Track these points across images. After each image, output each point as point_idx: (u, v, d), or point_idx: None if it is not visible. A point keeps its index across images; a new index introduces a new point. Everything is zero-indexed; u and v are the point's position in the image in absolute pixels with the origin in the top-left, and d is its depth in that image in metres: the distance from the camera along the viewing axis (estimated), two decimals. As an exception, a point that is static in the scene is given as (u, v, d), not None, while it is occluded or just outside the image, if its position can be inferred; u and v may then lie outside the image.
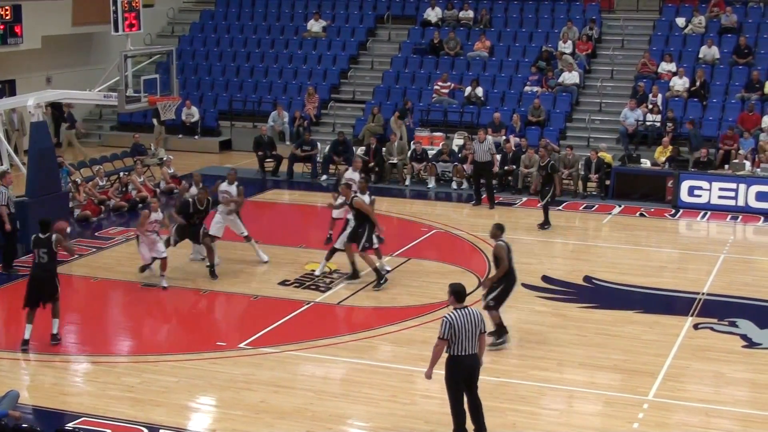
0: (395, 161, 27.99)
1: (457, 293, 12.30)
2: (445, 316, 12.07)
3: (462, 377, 12.15)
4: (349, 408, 13.62)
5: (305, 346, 15.84)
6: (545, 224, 22.96)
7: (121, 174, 26.44)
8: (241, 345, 15.84)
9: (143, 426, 12.87)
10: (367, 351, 15.71)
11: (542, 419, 13.41)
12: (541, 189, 23.10)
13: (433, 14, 34.92)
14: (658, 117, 28.87)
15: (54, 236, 15.57)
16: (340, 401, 13.80)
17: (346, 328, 16.95)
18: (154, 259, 18.80)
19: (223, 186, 19.91)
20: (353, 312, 17.64)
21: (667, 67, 30.88)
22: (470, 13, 34.76)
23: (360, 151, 28.45)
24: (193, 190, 19.91)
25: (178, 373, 14.75)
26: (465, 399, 12.28)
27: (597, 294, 18.75)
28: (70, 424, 12.49)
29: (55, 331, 15.81)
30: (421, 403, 13.80)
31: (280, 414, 13.36)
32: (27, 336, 15.63)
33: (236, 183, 20.04)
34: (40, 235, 15.62)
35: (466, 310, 12.14)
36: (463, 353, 12.02)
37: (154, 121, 30.69)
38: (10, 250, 19.63)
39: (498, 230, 15.82)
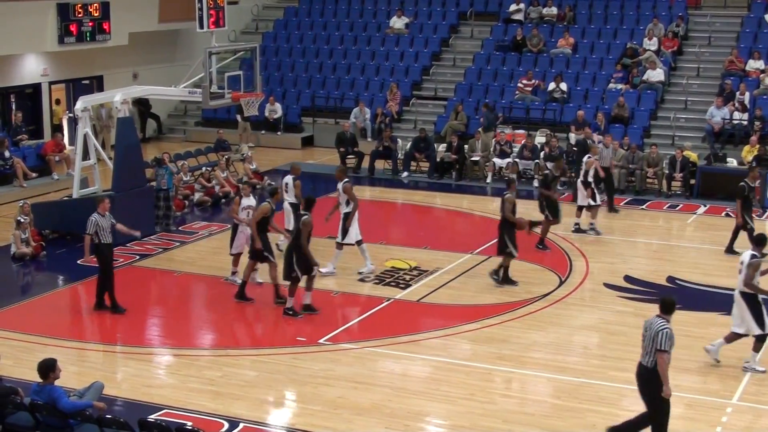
0: (477, 158, 27.89)
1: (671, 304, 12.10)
2: (668, 328, 11.84)
3: None
4: (428, 405, 13.62)
5: (384, 342, 15.87)
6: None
7: (204, 169, 26.77)
8: (321, 340, 15.92)
9: (224, 419, 13.02)
10: (446, 349, 15.68)
11: (622, 420, 13.24)
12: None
13: (516, 10, 34.72)
14: (746, 115, 28.36)
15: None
16: (418, 398, 13.80)
17: (425, 325, 16.92)
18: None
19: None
20: (433, 309, 17.62)
21: (755, 64, 30.31)
22: (554, 10, 34.49)
23: (442, 148, 28.42)
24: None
25: (258, 367, 14.89)
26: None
27: (680, 295, 18.42)
28: (152, 416, 12.66)
29: (308, 302, 17.02)
30: (500, 402, 13.74)
31: (358, 410, 13.41)
32: (307, 301, 17.10)
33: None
34: (300, 212, 17.30)
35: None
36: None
37: (238, 117, 31.01)
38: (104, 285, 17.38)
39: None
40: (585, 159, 22.21)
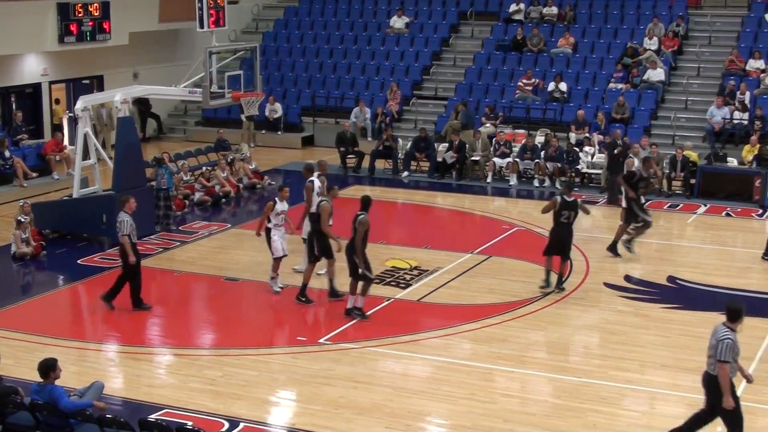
0: (477, 158, 27.86)
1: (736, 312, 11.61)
2: (729, 338, 11.45)
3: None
4: (428, 405, 13.60)
5: (385, 342, 15.85)
6: None
7: (204, 169, 26.76)
8: (322, 340, 15.92)
9: (224, 419, 13.00)
10: (447, 348, 15.67)
11: (623, 420, 13.26)
12: None
13: (517, 10, 34.70)
14: (746, 115, 28.36)
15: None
16: (419, 398, 13.79)
17: (425, 324, 16.90)
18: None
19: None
20: (433, 309, 17.61)
21: (755, 64, 30.31)
22: (554, 10, 34.48)
23: (442, 147, 28.40)
24: None
25: (259, 367, 14.88)
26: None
27: (681, 294, 18.47)
28: (153, 416, 12.65)
29: (349, 306, 16.82)
30: (501, 401, 13.73)
31: (359, 410, 13.39)
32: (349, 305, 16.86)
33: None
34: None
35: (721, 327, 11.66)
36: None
37: (243, 117, 30.95)
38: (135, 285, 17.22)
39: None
40: (627, 160, 21.98)
